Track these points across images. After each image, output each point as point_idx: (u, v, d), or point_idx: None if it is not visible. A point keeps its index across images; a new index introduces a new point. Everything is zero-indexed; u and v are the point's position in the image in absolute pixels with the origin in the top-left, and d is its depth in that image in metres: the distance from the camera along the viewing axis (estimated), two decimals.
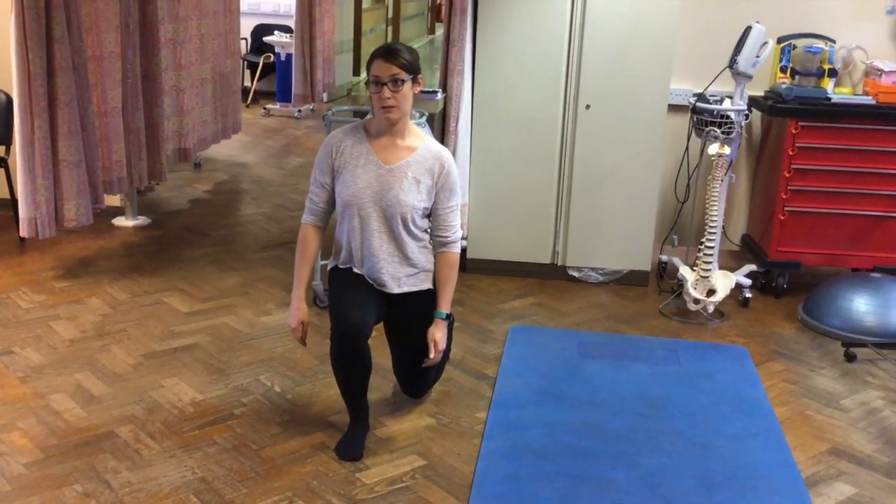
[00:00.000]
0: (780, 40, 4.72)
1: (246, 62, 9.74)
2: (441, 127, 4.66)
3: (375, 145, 3.16)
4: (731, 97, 4.43)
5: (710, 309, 4.37)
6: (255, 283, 4.66)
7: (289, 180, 6.83)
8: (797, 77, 4.71)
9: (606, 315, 4.43)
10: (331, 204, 3.23)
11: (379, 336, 3.35)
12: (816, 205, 4.57)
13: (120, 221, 5.55)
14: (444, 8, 4.77)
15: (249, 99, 9.81)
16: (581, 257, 4.80)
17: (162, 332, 4.01)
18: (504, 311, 4.44)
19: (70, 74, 4.36)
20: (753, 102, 4.66)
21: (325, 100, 9.32)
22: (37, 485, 2.84)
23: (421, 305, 3.24)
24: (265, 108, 9.46)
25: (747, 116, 4.50)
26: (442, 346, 3.22)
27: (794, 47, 4.73)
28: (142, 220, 5.60)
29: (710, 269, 4.32)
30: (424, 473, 3.00)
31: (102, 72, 4.89)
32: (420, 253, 3.22)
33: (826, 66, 4.68)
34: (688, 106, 4.58)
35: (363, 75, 10.45)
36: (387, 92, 3.03)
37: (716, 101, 4.42)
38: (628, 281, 4.80)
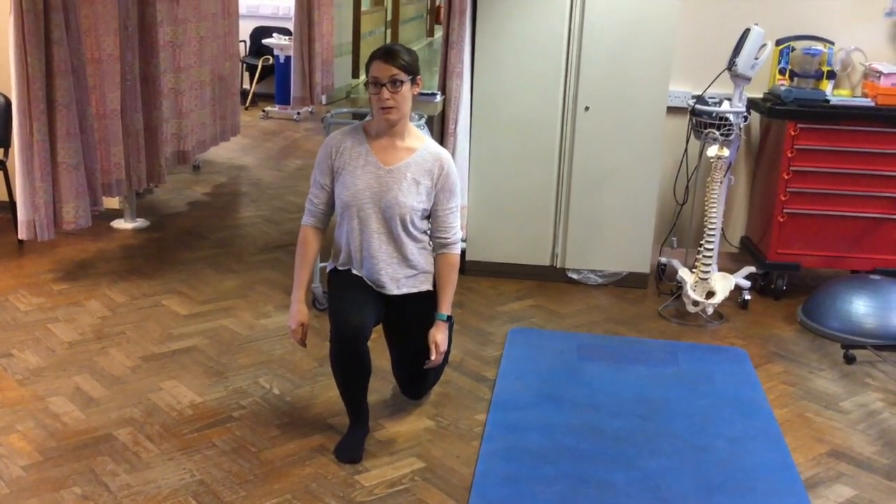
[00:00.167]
0: (778, 42, 4.72)
1: (245, 64, 9.74)
2: (440, 129, 4.66)
3: (375, 146, 3.16)
4: (729, 99, 4.44)
5: (710, 311, 4.37)
6: (254, 285, 4.66)
7: (288, 183, 6.83)
8: (796, 79, 4.71)
9: (606, 317, 4.43)
10: (331, 205, 3.23)
11: (378, 338, 3.35)
12: (815, 207, 4.57)
13: (119, 224, 5.55)
14: (443, 10, 4.78)
15: (248, 101, 9.81)
16: (580, 259, 4.80)
17: (161, 334, 4.01)
18: (503, 313, 4.43)
19: (69, 77, 4.36)
20: (752, 104, 4.67)
21: (323, 102, 9.34)
22: (35, 487, 2.83)
23: (420, 307, 3.24)
24: (264, 111, 9.46)
25: (746, 118, 4.50)
26: (443, 347, 3.22)
27: (793, 49, 4.73)
28: (140, 223, 5.59)
29: (709, 271, 4.32)
30: (423, 476, 3.00)
31: (101, 74, 4.89)
32: (419, 254, 3.21)
33: (825, 68, 4.69)
34: (687, 108, 4.58)
35: (362, 78, 10.49)
36: (386, 93, 3.03)
37: (714, 104, 4.42)
38: (627, 283, 4.80)
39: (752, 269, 4.72)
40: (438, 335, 3.20)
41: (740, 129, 4.45)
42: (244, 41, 9.75)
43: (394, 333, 3.35)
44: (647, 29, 4.45)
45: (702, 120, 4.40)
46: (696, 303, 4.33)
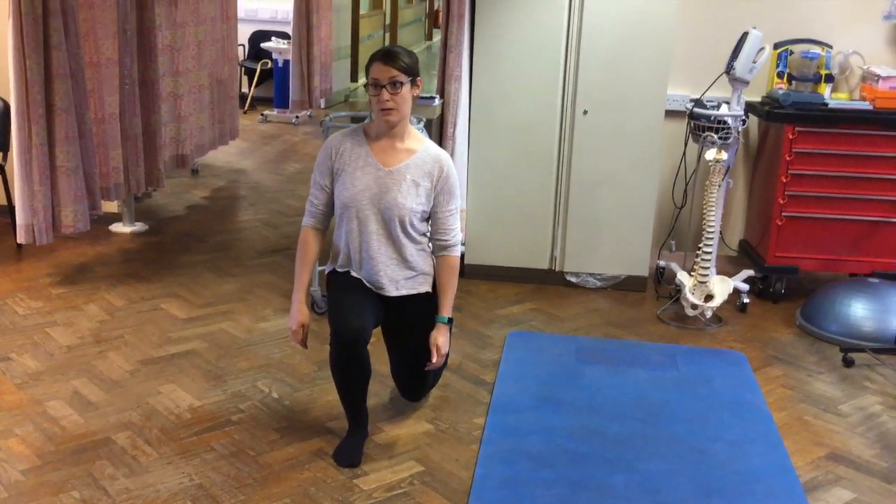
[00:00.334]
0: (776, 46, 4.73)
1: (243, 68, 9.75)
2: (439, 133, 4.66)
3: (375, 148, 3.17)
4: (728, 103, 4.44)
5: (708, 314, 4.37)
6: (252, 289, 4.66)
7: (286, 186, 6.83)
8: (794, 82, 4.72)
9: (604, 320, 4.43)
10: (331, 206, 3.23)
11: (378, 342, 3.35)
12: (814, 210, 4.57)
13: (117, 228, 5.54)
14: (441, 14, 4.78)
15: (247, 105, 9.82)
16: (579, 263, 4.80)
17: (159, 338, 4.01)
18: (502, 316, 4.43)
19: (67, 81, 4.36)
20: (750, 108, 4.67)
21: (322, 106, 9.35)
22: (34, 492, 2.83)
23: (419, 308, 3.24)
24: (262, 115, 9.46)
25: (744, 122, 4.50)
26: (445, 350, 3.22)
27: (791, 53, 4.74)
28: (139, 227, 5.59)
29: (707, 275, 4.32)
30: (422, 479, 3.00)
31: (100, 78, 4.89)
32: (418, 256, 3.22)
33: (823, 72, 4.69)
34: (685, 111, 4.58)
35: (360, 81, 10.50)
36: (385, 94, 3.03)
37: (713, 107, 4.43)
38: (626, 286, 4.80)
39: (751, 272, 4.73)
40: (440, 338, 3.20)
41: (738, 132, 4.45)
42: (243, 45, 9.76)
43: (393, 335, 3.35)
44: (645, 32, 4.46)
45: (700, 123, 4.41)
46: (694, 306, 4.33)
